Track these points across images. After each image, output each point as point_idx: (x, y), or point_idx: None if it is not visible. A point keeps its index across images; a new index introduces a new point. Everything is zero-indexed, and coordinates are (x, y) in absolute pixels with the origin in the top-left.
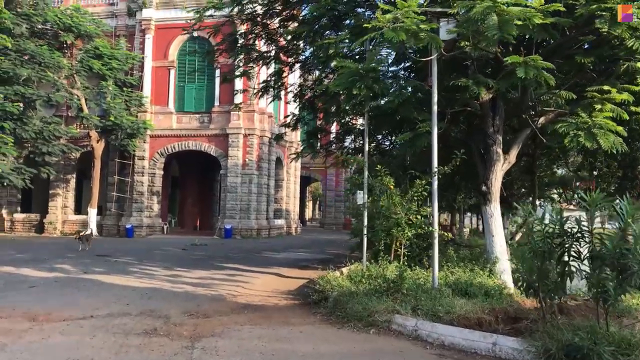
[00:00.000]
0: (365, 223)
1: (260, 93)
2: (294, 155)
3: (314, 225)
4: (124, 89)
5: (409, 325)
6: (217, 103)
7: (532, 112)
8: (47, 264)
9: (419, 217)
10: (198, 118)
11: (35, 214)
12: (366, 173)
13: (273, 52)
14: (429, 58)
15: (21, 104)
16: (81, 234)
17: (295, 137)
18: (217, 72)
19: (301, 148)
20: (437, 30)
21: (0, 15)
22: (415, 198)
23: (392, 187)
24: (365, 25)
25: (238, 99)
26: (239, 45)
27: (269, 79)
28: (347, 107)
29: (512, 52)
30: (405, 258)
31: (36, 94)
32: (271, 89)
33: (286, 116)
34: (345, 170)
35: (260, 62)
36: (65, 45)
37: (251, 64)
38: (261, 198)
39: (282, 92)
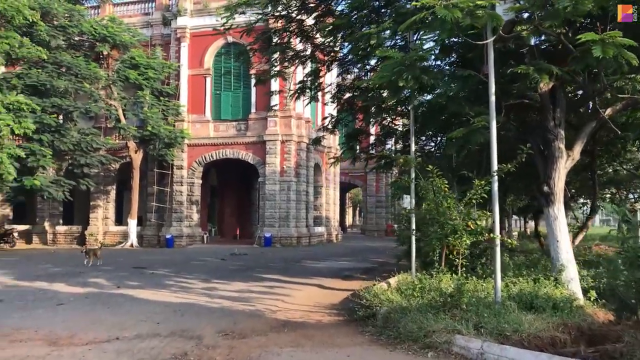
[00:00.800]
0: (414, 229)
1: (296, 94)
2: (332, 160)
3: (354, 232)
4: (161, 98)
5: (473, 348)
6: (253, 110)
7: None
8: (81, 278)
9: (477, 222)
10: (235, 126)
11: (77, 226)
12: (413, 174)
13: (309, 50)
14: (485, 41)
15: (61, 117)
16: (86, 247)
17: (333, 142)
18: (253, 78)
19: (340, 152)
20: (494, 8)
21: (37, 27)
22: (474, 201)
23: (446, 189)
24: (414, 3)
25: (274, 100)
26: (273, 43)
27: (305, 79)
28: (388, 105)
29: (576, 34)
30: (463, 268)
31: (73, 106)
32: (308, 90)
33: (324, 118)
34: (385, 175)
35: (296, 61)
36: (101, 56)
37: (286, 64)
38: (300, 205)
39: (320, 94)
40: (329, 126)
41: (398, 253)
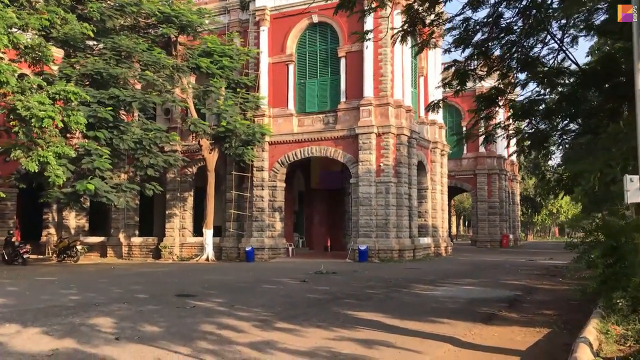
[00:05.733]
0: None
1: (401, 33)
2: (460, 136)
3: (462, 243)
4: (238, 90)
5: None
6: (343, 99)
7: None
8: (81, 317)
9: None
10: (322, 119)
11: (153, 237)
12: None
13: None
14: None
15: (126, 114)
16: None
17: (439, 137)
18: (343, 61)
19: (465, 132)
20: None
21: (88, 5)
22: None
23: None
24: None
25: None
26: None
27: (414, 6)
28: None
29: None
30: None
31: (132, 96)
32: (414, 30)
33: (445, 68)
34: (499, 177)
35: None
36: (169, 42)
37: None
38: (401, 211)
39: (432, 40)
40: (453, 79)
41: (579, 288)
